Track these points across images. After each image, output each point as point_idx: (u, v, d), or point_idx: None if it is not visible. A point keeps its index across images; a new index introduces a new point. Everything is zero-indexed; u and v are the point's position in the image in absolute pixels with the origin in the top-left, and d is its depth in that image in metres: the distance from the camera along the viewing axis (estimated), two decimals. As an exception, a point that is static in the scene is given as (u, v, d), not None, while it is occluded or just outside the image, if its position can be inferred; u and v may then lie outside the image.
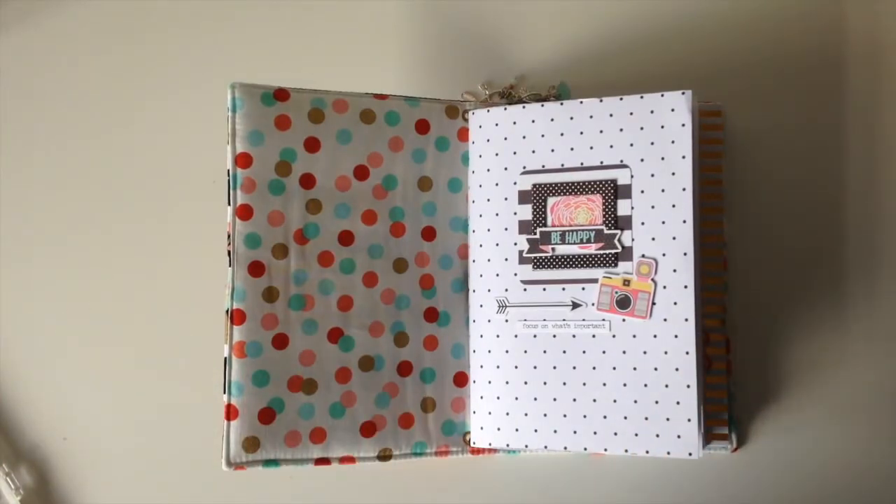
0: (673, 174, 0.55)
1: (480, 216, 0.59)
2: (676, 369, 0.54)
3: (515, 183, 0.58)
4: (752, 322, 0.62)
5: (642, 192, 0.55)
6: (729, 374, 0.60)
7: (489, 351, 0.58)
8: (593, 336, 0.56)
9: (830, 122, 0.63)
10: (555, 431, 0.56)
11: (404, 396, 0.59)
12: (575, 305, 0.56)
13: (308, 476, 0.64)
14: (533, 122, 0.58)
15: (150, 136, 0.68)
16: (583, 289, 0.56)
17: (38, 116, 0.70)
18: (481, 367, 0.59)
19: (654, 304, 0.55)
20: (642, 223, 0.55)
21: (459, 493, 0.63)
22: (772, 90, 0.63)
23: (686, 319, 0.54)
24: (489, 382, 0.58)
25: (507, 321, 0.58)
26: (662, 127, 0.55)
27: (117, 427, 0.66)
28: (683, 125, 0.55)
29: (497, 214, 0.59)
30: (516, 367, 0.57)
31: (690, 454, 0.53)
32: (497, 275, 0.58)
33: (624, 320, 0.55)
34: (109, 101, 0.69)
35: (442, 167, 0.60)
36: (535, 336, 0.57)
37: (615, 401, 0.55)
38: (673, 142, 0.55)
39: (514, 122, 0.59)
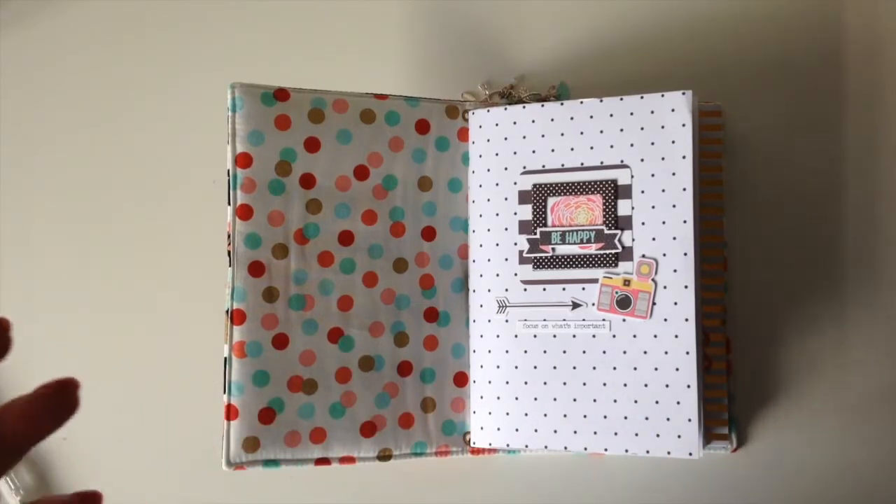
0: (673, 174, 0.55)
1: (480, 216, 0.59)
2: (677, 369, 0.54)
3: (515, 183, 0.58)
4: (752, 322, 0.62)
5: (643, 192, 0.55)
6: (729, 374, 0.60)
7: (489, 351, 0.58)
8: (593, 336, 0.56)
9: (830, 122, 0.63)
10: (555, 431, 0.56)
11: (404, 396, 0.59)
12: (575, 305, 0.56)
13: (308, 476, 0.64)
14: (533, 122, 0.58)
15: (150, 136, 0.68)
16: (583, 289, 0.56)
17: (37, 117, 0.70)
18: (481, 367, 0.59)
19: (654, 304, 0.55)
20: (643, 223, 0.55)
21: (459, 493, 0.63)
22: (772, 90, 0.63)
23: (686, 319, 0.54)
24: (489, 382, 0.58)
25: (507, 321, 0.58)
26: (663, 127, 0.55)
27: (117, 427, 0.66)
28: (684, 125, 0.55)
29: (497, 214, 0.59)
30: (516, 367, 0.57)
31: (690, 454, 0.53)
32: (497, 275, 0.58)
33: (624, 320, 0.55)
34: (109, 102, 0.69)
35: (442, 167, 0.60)
36: (535, 336, 0.57)
37: (615, 401, 0.55)
38: (673, 142, 0.55)
39: (514, 122, 0.59)
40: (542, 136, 0.58)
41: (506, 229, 0.58)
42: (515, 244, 0.58)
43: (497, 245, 0.59)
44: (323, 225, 0.58)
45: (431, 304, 0.60)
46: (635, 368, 0.55)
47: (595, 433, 0.55)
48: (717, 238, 0.60)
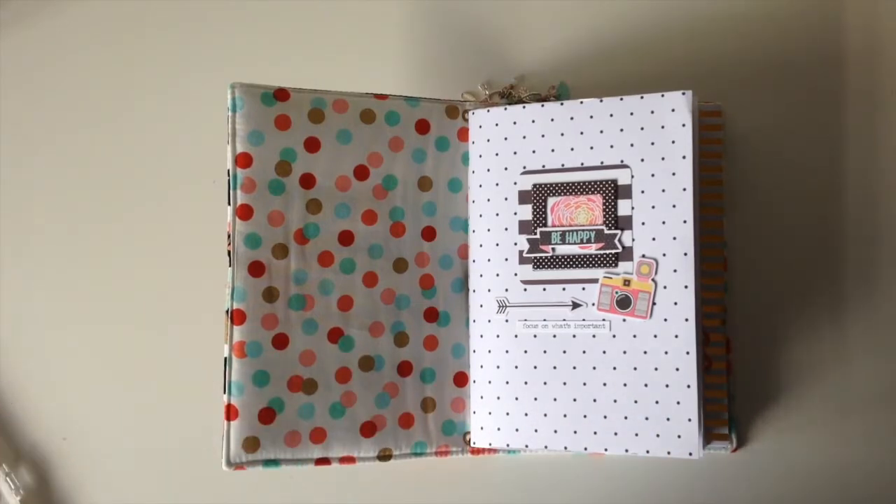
0: (673, 174, 0.55)
1: (480, 216, 0.59)
2: (677, 369, 0.54)
3: (515, 183, 0.58)
4: (752, 322, 0.62)
5: (643, 192, 0.55)
6: (729, 374, 0.60)
7: (489, 351, 0.58)
8: (593, 336, 0.56)
9: (830, 122, 0.63)
10: (555, 431, 0.56)
11: (404, 396, 0.59)
12: (575, 305, 0.56)
13: (308, 476, 0.64)
14: (533, 122, 0.58)
15: (151, 136, 0.68)
16: (583, 289, 0.56)
17: (37, 117, 0.70)
18: (481, 367, 0.59)
19: (654, 304, 0.55)
20: (643, 223, 0.55)
21: (459, 493, 0.63)
22: (772, 90, 0.63)
23: (686, 319, 0.54)
24: (489, 382, 0.58)
25: (507, 321, 0.58)
26: (663, 127, 0.55)
27: (117, 427, 0.66)
28: (684, 125, 0.55)
29: (497, 214, 0.59)
30: (516, 367, 0.57)
31: (690, 454, 0.53)
32: (497, 275, 0.58)
33: (624, 320, 0.55)
34: (109, 102, 0.69)
35: (442, 167, 0.60)
36: (535, 336, 0.57)
37: (615, 401, 0.55)
38: (673, 142, 0.55)
39: (514, 122, 0.59)
40: (542, 136, 0.58)
41: (506, 229, 0.58)
42: (515, 244, 0.58)
43: (497, 245, 0.59)
44: (323, 225, 0.58)
45: (431, 304, 0.60)
46: (635, 368, 0.55)
47: (595, 433, 0.55)
48: (717, 238, 0.60)
